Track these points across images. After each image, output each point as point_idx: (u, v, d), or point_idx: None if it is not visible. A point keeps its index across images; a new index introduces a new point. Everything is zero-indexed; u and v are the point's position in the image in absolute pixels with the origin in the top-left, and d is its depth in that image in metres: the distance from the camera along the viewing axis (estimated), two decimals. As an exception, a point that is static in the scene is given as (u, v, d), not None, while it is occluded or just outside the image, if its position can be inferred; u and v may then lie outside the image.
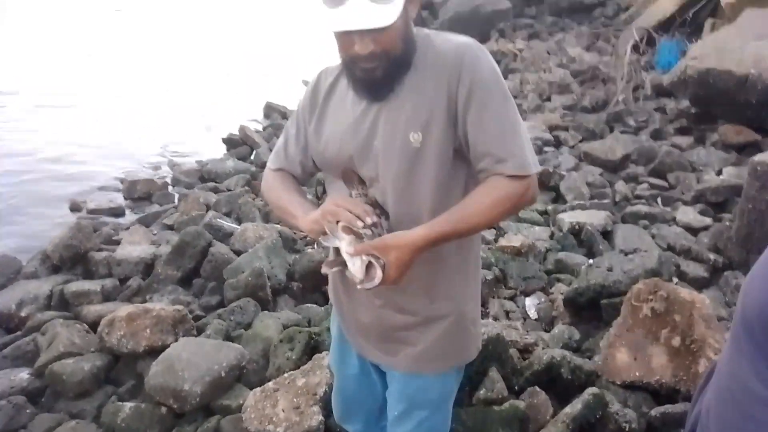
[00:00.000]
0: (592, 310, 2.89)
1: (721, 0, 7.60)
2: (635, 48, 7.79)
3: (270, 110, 7.52)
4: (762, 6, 6.19)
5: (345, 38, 1.12)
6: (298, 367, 2.33)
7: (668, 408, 2.13)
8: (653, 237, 3.66)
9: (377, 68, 1.13)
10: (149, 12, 13.30)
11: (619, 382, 2.30)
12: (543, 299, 3.20)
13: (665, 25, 8.62)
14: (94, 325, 2.75)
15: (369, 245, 1.10)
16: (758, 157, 3.02)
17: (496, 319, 2.97)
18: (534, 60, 8.58)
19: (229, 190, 4.74)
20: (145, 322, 2.57)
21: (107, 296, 3.11)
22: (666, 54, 7.66)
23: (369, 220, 1.12)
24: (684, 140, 5.34)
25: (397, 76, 1.17)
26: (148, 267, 3.36)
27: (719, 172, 4.59)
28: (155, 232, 4.06)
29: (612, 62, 7.65)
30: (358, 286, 1.12)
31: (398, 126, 1.17)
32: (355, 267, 1.11)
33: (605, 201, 4.19)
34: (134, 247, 3.61)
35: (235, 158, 5.61)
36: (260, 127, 6.82)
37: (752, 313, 0.81)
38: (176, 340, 2.50)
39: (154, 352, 2.49)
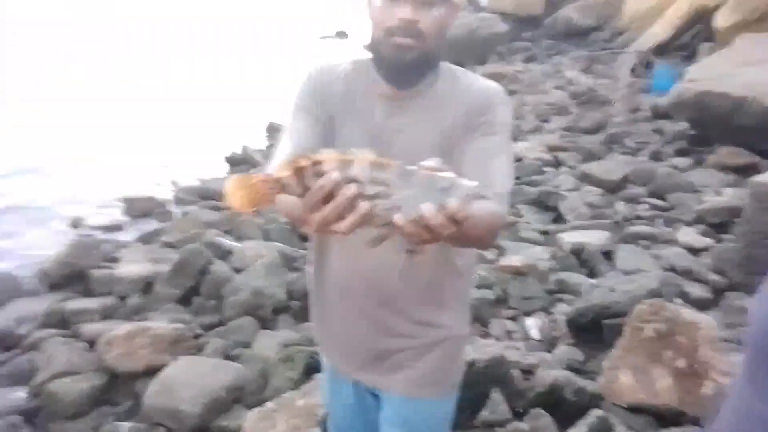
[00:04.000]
0: (594, 330, 2.87)
1: (714, 26, 7.73)
2: (632, 71, 7.90)
3: (273, 130, 7.56)
4: (755, 31, 6.31)
5: (393, 5, 1.10)
6: (298, 387, 2.30)
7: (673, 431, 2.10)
8: (654, 258, 3.66)
9: (410, 49, 1.11)
10: (152, 27, 13.44)
11: (623, 405, 2.27)
12: (545, 319, 3.18)
13: (661, 49, 8.77)
14: (92, 344, 2.72)
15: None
16: (758, 179, 3.04)
17: (497, 339, 2.95)
18: (532, 82, 8.68)
19: (229, 209, 4.74)
20: (143, 341, 2.54)
21: (106, 314, 3.08)
22: (662, 77, 7.76)
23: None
24: (682, 161, 5.37)
25: (423, 71, 1.17)
26: (147, 285, 3.34)
27: (718, 193, 4.61)
28: (155, 250, 4.04)
29: (609, 85, 7.75)
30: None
31: (417, 149, 1.15)
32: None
33: (606, 221, 4.19)
34: (134, 265, 3.59)
35: (235, 177, 5.62)
36: (263, 147, 6.86)
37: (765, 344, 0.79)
38: (175, 359, 2.47)
39: (152, 371, 2.46)
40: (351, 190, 0.81)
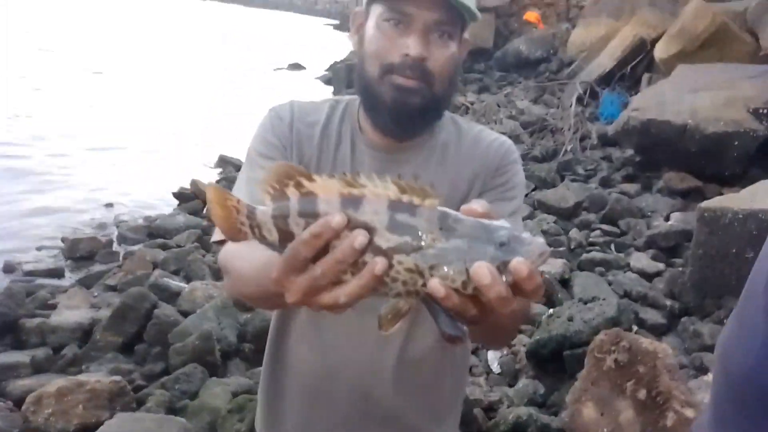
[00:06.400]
0: (555, 361, 2.84)
1: (655, 56, 8.09)
2: (579, 100, 8.15)
3: (224, 163, 7.39)
4: (693, 61, 6.62)
5: (396, 35, 0.89)
6: (249, 441, 2.14)
7: (639, 466, 2.05)
8: (609, 284, 3.68)
9: (416, 91, 0.89)
10: (88, 56, 13.11)
11: (587, 440, 2.21)
12: (505, 352, 3.13)
13: (606, 79, 9.10)
14: (21, 402, 2.48)
15: None
16: (705, 204, 3.10)
17: (458, 375, 2.87)
18: (485, 112, 8.84)
19: (179, 246, 4.54)
20: (77, 398, 2.33)
21: (38, 368, 2.84)
22: (608, 106, 8.03)
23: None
24: (631, 187, 5.51)
25: (428, 120, 0.96)
26: (86, 333, 3.11)
27: (667, 218, 4.72)
28: (96, 294, 3.80)
29: (559, 114, 7.97)
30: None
31: None
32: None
33: (561, 249, 4.22)
34: (72, 311, 3.36)
35: (186, 213, 5.42)
36: (213, 181, 6.67)
37: (740, 381, 0.74)
38: (112, 416, 2.27)
39: (87, 431, 2.25)
40: (360, 238, 0.54)
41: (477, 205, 0.58)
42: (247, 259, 0.79)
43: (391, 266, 0.55)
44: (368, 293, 0.56)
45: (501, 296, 0.53)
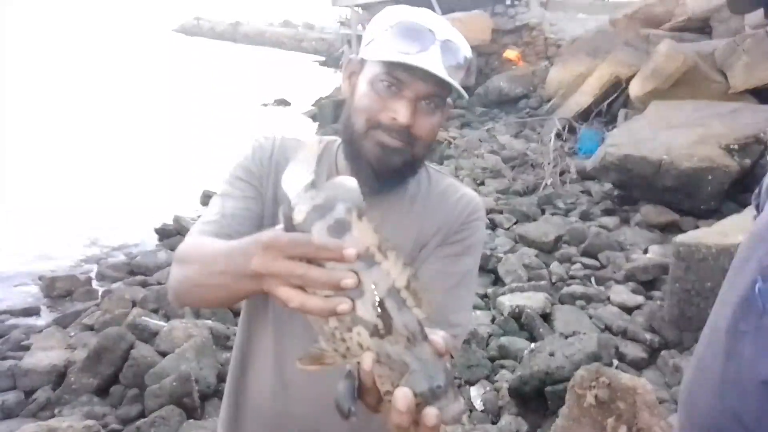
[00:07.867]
0: (537, 398, 2.83)
1: (630, 94, 8.34)
2: (558, 136, 8.33)
3: (207, 198, 7.37)
4: (666, 98, 6.84)
5: (387, 96, 0.92)
6: (226, 486, 2.08)
7: (622, 505, 2.03)
8: (590, 317, 3.70)
9: (398, 153, 0.94)
10: (84, 90, 13.12)
11: (570, 479, 2.19)
12: (488, 388, 3.11)
13: (583, 115, 9.34)
14: (-12, 449, 2.41)
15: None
16: (680, 239, 3.17)
17: (441, 413, 2.84)
18: (467, 147, 8.98)
19: (159, 284, 4.48)
20: (48, 443, 2.26)
21: (8, 413, 2.77)
22: (587, 141, 8.23)
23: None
24: (610, 221, 5.59)
25: (406, 177, 1.01)
26: (60, 376, 3.05)
27: (646, 251, 4.79)
28: (73, 334, 3.73)
29: (539, 149, 8.12)
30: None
31: None
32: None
33: (542, 282, 4.24)
34: (46, 353, 3.28)
35: (167, 249, 5.37)
36: (196, 216, 6.64)
37: (702, 425, 0.76)
38: (84, 463, 2.21)
39: (57, 478, 2.18)
40: (350, 282, 0.57)
41: (441, 338, 0.63)
42: (217, 242, 0.83)
43: (350, 327, 0.59)
44: (315, 314, 0.58)
45: (401, 426, 0.60)
